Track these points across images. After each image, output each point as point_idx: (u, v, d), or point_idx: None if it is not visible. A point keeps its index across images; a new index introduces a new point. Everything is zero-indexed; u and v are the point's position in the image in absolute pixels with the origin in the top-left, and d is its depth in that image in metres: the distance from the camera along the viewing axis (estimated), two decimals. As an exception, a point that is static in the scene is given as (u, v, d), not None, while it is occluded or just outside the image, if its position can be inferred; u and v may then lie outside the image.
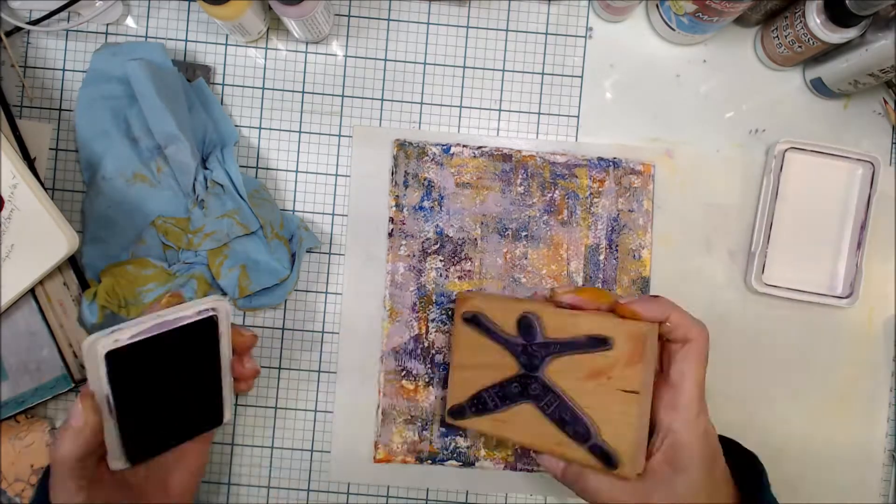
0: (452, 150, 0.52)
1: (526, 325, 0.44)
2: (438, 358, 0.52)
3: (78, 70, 0.52)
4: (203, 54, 0.52)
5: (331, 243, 0.53)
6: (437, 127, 0.53)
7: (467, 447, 0.52)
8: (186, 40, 0.52)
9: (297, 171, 0.53)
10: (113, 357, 0.36)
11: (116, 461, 0.39)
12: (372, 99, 0.53)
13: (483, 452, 0.52)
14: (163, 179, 0.50)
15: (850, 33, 0.46)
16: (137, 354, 0.37)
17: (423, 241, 0.52)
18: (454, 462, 0.52)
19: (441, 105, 0.53)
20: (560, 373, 0.42)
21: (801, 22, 0.48)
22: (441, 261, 0.52)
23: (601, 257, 0.52)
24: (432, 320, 0.52)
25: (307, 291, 0.53)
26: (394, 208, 0.52)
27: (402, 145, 0.52)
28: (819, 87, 0.53)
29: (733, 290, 0.53)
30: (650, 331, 0.39)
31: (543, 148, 0.53)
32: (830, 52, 0.50)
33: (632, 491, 0.40)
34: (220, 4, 0.44)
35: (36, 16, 0.51)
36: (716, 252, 0.53)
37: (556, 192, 0.52)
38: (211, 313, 0.40)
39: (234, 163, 0.50)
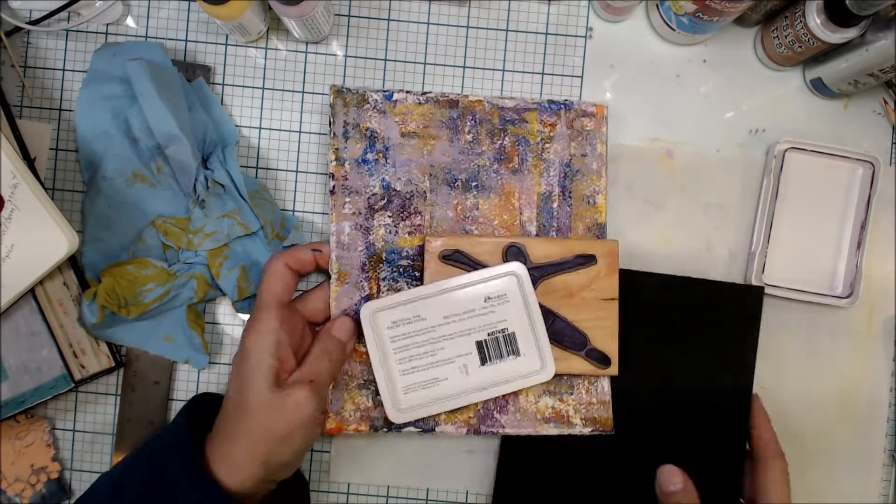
0: (395, 96, 0.50)
1: (515, 252, 0.48)
2: None
3: (78, 70, 0.52)
4: (203, 54, 0.52)
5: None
6: (437, 127, 0.53)
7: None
8: (186, 40, 0.52)
9: (297, 171, 0.53)
10: None
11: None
12: (372, 99, 0.53)
13: (443, 416, 0.49)
14: (163, 179, 0.50)
15: (850, 33, 0.46)
16: None
17: (369, 197, 0.49)
18: (413, 429, 0.48)
19: (441, 105, 0.53)
20: (546, 295, 0.49)
21: (801, 22, 0.48)
22: (389, 216, 0.49)
23: (554, 205, 0.50)
24: (383, 279, 0.49)
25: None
26: (334, 163, 0.49)
27: (339, 92, 0.49)
28: (819, 87, 0.53)
29: (733, 290, 0.53)
30: (617, 245, 0.49)
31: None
32: (830, 52, 0.50)
33: None
34: (220, 4, 0.44)
35: (36, 16, 0.51)
36: (716, 252, 0.53)
37: (506, 138, 0.50)
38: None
39: (236, 163, 0.50)
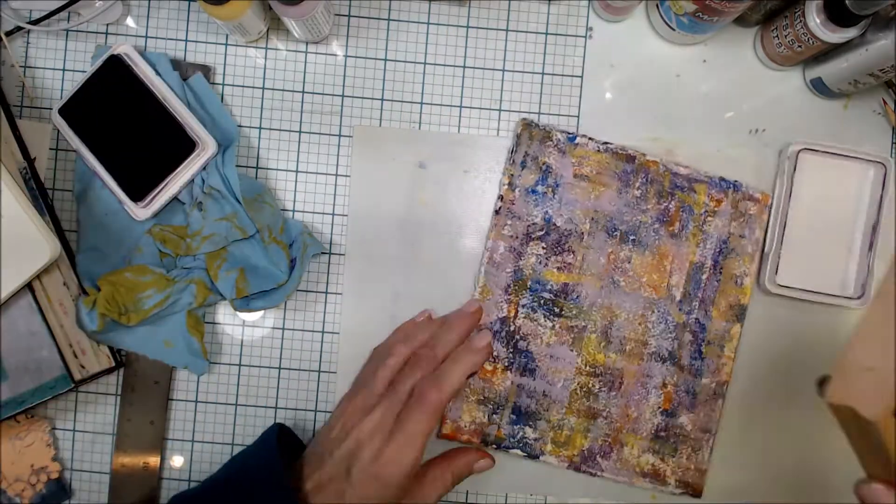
0: (577, 140, 0.51)
1: None
2: (522, 344, 0.51)
3: (78, 70, 0.52)
4: (203, 54, 0.52)
5: (331, 244, 0.53)
6: (438, 126, 0.53)
7: (535, 439, 0.51)
8: (186, 40, 0.52)
9: (297, 171, 0.53)
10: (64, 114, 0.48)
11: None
12: (372, 99, 0.53)
13: (549, 448, 0.51)
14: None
15: (850, 33, 0.46)
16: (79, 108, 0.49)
17: (529, 225, 0.51)
18: (518, 451, 0.51)
19: (441, 105, 0.53)
20: None
21: (800, 22, 0.48)
22: (543, 248, 0.51)
23: (704, 276, 0.51)
24: (522, 306, 0.51)
25: (307, 291, 0.53)
26: (506, 186, 0.51)
27: (528, 125, 0.51)
28: (819, 87, 0.53)
29: (734, 290, 0.53)
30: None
31: (668, 156, 0.53)
32: (830, 52, 0.50)
33: None
34: (220, 4, 0.44)
35: (36, 16, 0.51)
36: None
37: (673, 202, 0.51)
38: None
39: (233, 167, 0.49)
